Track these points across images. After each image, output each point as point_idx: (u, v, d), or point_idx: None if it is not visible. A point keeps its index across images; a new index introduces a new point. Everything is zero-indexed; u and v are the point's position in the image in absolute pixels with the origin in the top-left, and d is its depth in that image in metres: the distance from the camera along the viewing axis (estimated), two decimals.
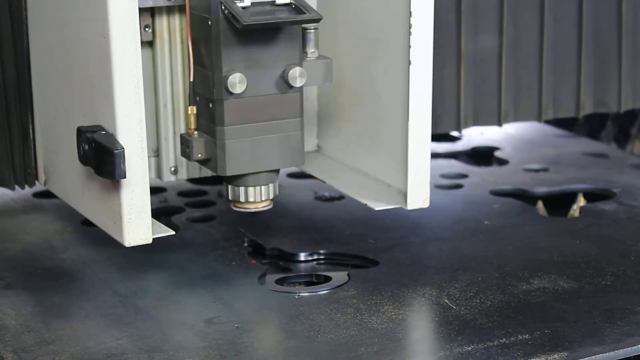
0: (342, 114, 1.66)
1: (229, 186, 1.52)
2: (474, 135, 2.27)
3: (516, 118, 1.97)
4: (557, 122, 2.47)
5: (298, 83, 1.47)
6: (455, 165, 2.08)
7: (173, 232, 1.45)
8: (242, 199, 1.52)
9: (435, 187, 1.95)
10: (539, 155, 2.13)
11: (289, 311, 1.46)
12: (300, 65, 1.47)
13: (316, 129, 1.72)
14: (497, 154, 2.16)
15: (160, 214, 1.83)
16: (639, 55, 2.03)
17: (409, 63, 1.49)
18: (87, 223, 1.77)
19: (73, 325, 1.42)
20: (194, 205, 1.86)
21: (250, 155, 1.48)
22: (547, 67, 1.96)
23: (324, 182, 1.64)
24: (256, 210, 1.53)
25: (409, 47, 1.48)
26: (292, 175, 2.00)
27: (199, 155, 1.47)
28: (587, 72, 1.99)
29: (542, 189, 1.94)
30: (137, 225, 1.40)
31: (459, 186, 1.96)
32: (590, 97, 2.01)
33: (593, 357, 1.33)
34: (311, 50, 1.51)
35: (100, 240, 1.70)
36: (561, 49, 1.97)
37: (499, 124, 1.95)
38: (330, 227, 1.76)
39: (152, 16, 1.54)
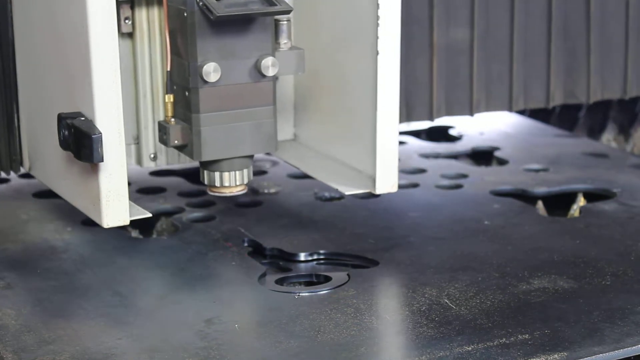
0: (317, 103, 1.72)
1: (205, 171, 1.58)
2: (474, 135, 2.27)
3: (487, 108, 2.03)
4: (558, 122, 2.47)
5: (270, 72, 1.53)
6: (455, 165, 2.08)
7: (149, 214, 1.50)
8: (217, 183, 1.57)
9: (435, 187, 1.95)
10: (539, 155, 2.13)
11: (289, 311, 1.46)
12: (273, 55, 1.53)
13: (292, 118, 1.78)
14: (497, 154, 2.16)
15: (160, 214, 1.84)
16: (606, 48, 2.09)
17: (377, 53, 1.54)
18: (87, 223, 1.77)
19: (73, 325, 1.42)
20: (194, 205, 1.86)
21: (225, 141, 1.54)
22: (517, 59, 2.02)
23: (298, 169, 1.70)
24: (231, 194, 1.59)
25: (377, 38, 1.54)
26: (292, 176, 2.00)
27: (176, 141, 1.53)
28: (556, 64, 2.05)
29: (542, 189, 1.94)
30: (115, 207, 1.45)
31: (459, 186, 1.96)
32: (560, 88, 2.07)
33: (593, 357, 1.33)
34: (284, 41, 1.57)
35: (100, 240, 1.70)
36: (531, 42, 2.03)
37: (471, 113, 2.01)
38: (330, 227, 1.76)
39: (132, 8, 1.59)
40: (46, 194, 1.88)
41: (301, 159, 1.72)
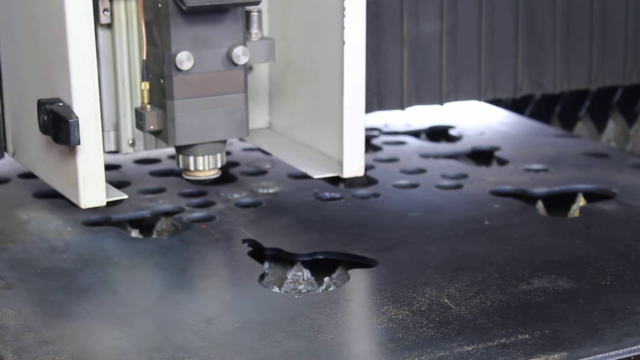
0: (290, 92, 1.80)
1: (180, 156, 1.66)
2: (474, 136, 2.27)
3: (457, 98, 2.11)
4: (559, 122, 2.47)
5: (241, 61, 1.61)
6: (455, 165, 2.08)
7: (126, 196, 1.59)
8: (191, 167, 1.65)
9: (435, 187, 1.95)
10: (539, 155, 2.13)
11: (289, 311, 1.46)
12: (244, 45, 1.61)
13: (267, 107, 1.86)
14: (497, 154, 2.16)
15: (160, 213, 1.83)
16: (572, 40, 2.16)
17: (343, 43, 1.62)
18: (87, 223, 1.77)
19: (73, 325, 1.42)
20: (194, 205, 1.86)
21: (198, 127, 1.62)
22: (485, 51, 2.10)
23: (271, 155, 1.79)
24: (205, 178, 1.66)
25: (343, 28, 1.61)
26: (292, 176, 2.00)
27: (152, 127, 1.61)
28: (523, 55, 2.12)
29: (542, 189, 1.94)
30: (92, 189, 1.53)
31: (459, 186, 1.96)
32: (527, 79, 2.15)
33: (593, 357, 1.33)
34: (255, 32, 1.65)
35: (100, 240, 1.70)
36: (498, 34, 2.10)
37: (441, 103, 2.09)
38: (330, 227, 1.76)
39: (111, 1, 1.68)
40: (46, 194, 1.88)
41: (274, 146, 1.81)
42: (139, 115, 1.62)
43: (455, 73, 2.09)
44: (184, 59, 1.57)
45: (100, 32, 1.70)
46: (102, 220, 1.79)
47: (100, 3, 1.67)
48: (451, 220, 1.78)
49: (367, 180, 1.99)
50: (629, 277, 1.55)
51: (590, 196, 1.93)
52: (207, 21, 1.58)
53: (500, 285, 1.53)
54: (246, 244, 1.69)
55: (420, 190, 1.94)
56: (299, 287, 1.62)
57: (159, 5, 1.57)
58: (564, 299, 1.48)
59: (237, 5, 1.58)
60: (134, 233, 1.81)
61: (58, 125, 1.49)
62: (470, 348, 1.35)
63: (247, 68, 1.70)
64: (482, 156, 2.19)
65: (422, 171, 2.04)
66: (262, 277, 1.58)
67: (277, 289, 1.61)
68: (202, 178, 1.67)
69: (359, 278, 1.56)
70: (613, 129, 2.46)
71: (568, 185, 1.96)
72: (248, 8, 1.63)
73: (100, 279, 1.57)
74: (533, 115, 2.49)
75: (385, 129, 2.31)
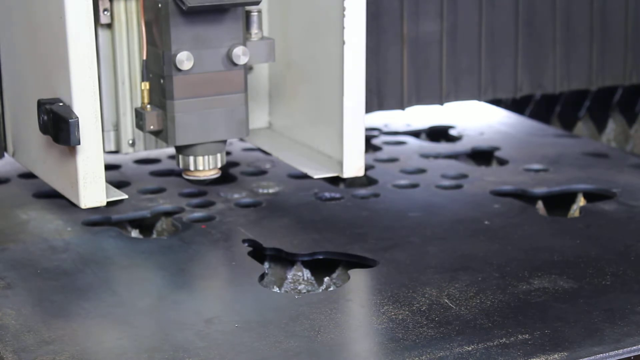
0: (290, 92, 1.80)
1: (180, 156, 1.66)
2: (474, 135, 2.27)
3: (457, 98, 2.12)
4: (559, 122, 2.47)
5: (241, 61, 1.61)
6: (455, 165, 2.08)
7: (126, 196, 1.59)
8: (191, 167, 1.66)
9: (435, 187, 1.95)
10: (539, 155, 2.13)
11: (289, 311, 1.46)
12: (244, 45, 1.61)
13: (267, 107, 1.87)
14: (497, 154, 2.16)
15: (160, 213, 1.83)
16: (572, 40, 2.17)
17: (343, 43, 1.62)
18: (87, 223, 1.77)
19: (73, 325, 1.42)
20: (194, 205, 1.86)
21: (198, 126, 1.62)
22: (485, 51, 2.10)
23: (271, 155, 1.79)
24: (205, 178, 1.67)
25: (343, 28, 1.62)
26: (292, 176, 2.00)
27: (152, 127, 1.61)
28: (523, 55, 2.13)
29: (542, 189, 1.94)
30: (92, 188, 1.54)
31: (459, 186, 1.96)
32: (527, 79, 2.16)
33: (593, 357, 1.33)
34: (255, 32, 1.65)
35: (100, 240, 1.70)
36: (498, 34, 2.11)
37: (441, 103, 2.10)
38: (330, 227, 1.76)
39: (111, 1, 1.68)
40: (46, 194, 1.88)
41: (274, 146, 1.81)
42: (139, 115, 1.62)
43: (455, 73, 2.09)
44: (184, 59, 1.58)
45: (100, 32, 1.70)
46: (102, 220, 1.79)
47: (100, 3, 1.67)
48: (451, 220, 1.78)
49: (367, 180, 1.99)
50: (629, 277, 1.55)
51: (590, 196, 1.93)
52: (207, 21, 1.59)
53: (500, 285, 1.53)
54: (246, 244, 1.69)
55: (420, 190, 1.94)
56: (299, 287, 1.62)
57: (159, 5, 1.57)
58: (564, 299, 1.48)
59: (237, 5, 1.58)
60: (134, 233, 1.81)
61: (58, 125, 1.49)
62: (470, 348, 1.34)
63: (247, 68, 1.70)
64: (482, 156, 2.19)
65: (422, 171, 2.04)
66: (262, 277, 1.58)
67: (277, 289, 1.61)
68: (202, 178, 1.67)
69: (359, 278, 1.57)
70: (613, 129, 2.46)
71: (568, 185, 1.96)
72: (248, 8, 1.63)
73: (100, 278, 1.57)
74: (533, 115, 2.49)
75: (385, 129, 2.31)
